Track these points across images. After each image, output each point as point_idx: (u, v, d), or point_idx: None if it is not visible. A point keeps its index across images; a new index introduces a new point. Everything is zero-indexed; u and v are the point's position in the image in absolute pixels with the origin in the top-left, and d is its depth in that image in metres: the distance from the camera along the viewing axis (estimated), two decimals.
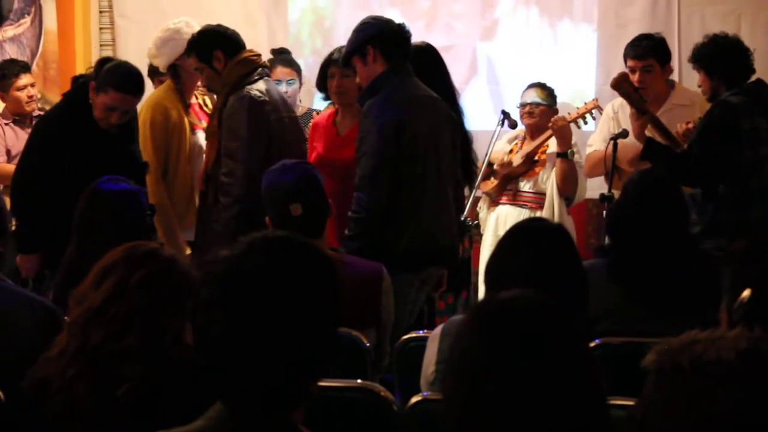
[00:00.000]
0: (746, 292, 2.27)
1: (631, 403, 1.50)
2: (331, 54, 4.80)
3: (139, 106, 4.84)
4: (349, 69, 4.43)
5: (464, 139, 4.64)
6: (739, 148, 4.51)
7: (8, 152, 5.71)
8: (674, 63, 5.40)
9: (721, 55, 4.69)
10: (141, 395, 2.12)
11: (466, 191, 4.94)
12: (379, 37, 4.21)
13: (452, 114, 4.42)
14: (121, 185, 3.54)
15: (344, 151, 4.59)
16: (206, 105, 5.26)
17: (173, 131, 5.03)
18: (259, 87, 4.59)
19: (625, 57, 5.24)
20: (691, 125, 4.90)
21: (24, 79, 5.78)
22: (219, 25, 4.81)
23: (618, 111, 5.31)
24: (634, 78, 5.14)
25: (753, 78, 4.72)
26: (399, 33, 4.26)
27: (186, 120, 5.09)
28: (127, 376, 2.13)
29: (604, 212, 5.01)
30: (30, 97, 5.77)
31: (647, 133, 4.88)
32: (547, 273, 2.47)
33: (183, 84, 5.05)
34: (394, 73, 4.20)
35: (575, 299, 2.51)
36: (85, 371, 2.18)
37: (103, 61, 4.66)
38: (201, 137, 5.06)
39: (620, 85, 4.93)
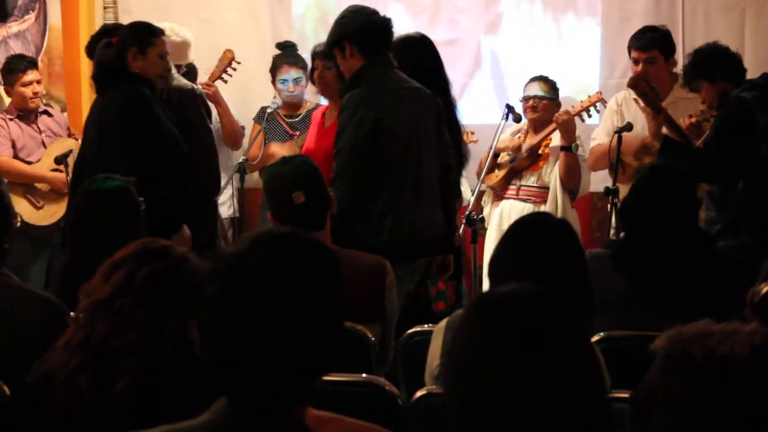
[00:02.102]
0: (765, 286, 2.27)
1: None
2: (315, 47, 4.89)
3: None
4: (331, 61, 4.48)
5: (456, 130, 4.64)
6: (754, 142, 4.50)
7: (14, 144, 5.70)
8: (678, 57, 5.38)
9: (712, 59, 4.70)
10: (141, 389, 2.13)
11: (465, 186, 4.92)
12: (355, 32, 4.19)
13: (437, 101, 4.36)
14: (113, 183, 3.53)
15: (325, 141, 4.60)
16: None
17: None
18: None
19: (629, 48, 5.24)
20: (693, 119, 4.89)
21: (30, 75, 5.74)
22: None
23: (622, 104, 5.31)
24: (638, 69, 5.14)
25: (749, 71, 4.73)
26: (377, 25, 4.23)
27: None
28: (127, 370, 2.15)
29: (609, 205, 5.01)
30: (35, 93, 5.75)
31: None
32: (551, 268, 2.47)
33: None
34: (371, 67, 4.19)
35: (578, 294, 2.52)
36: (87, 363, 2.19)
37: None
38: None
39: (637, 84, 4.92)
